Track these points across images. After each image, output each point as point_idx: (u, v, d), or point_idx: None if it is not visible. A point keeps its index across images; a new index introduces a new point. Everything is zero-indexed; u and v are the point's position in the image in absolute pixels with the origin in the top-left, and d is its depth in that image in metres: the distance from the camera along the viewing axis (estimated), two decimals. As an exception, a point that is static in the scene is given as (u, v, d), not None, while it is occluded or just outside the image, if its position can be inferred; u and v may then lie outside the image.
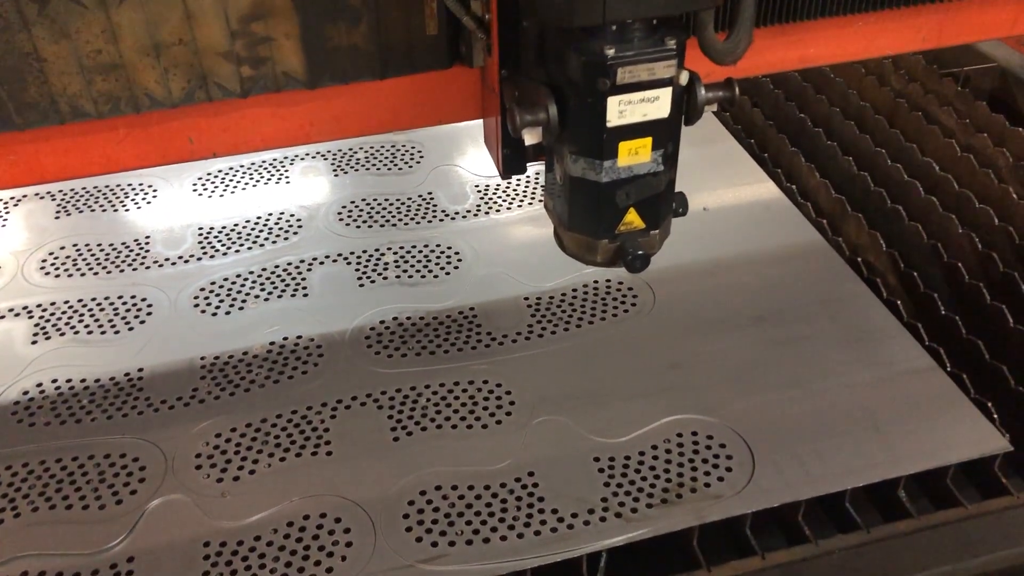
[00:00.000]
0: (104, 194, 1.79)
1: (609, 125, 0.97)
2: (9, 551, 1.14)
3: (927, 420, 1.29)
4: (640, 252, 1.04)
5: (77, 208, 1.75)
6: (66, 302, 1.53)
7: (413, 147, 1.92)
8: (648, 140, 0.99)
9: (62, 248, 1.65)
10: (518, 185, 1.79)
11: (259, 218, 1.71)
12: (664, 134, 0.99)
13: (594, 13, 0.89)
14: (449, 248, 1.64)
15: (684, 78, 0.98)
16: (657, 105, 0.97)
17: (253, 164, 1.86)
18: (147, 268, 1.60)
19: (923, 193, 1.69)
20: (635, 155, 1.00)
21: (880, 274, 1.59)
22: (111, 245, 1.65)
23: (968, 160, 1.73)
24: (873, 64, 2.08)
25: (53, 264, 1.61)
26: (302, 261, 1.61)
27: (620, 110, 0.96)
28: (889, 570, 1.15)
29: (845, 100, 2.00)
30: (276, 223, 1.70)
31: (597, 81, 0.94)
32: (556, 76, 0.99)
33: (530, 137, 1.00)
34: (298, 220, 1.71)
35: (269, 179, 1.82)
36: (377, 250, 1.63)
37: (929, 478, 1.26)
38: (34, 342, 1.45)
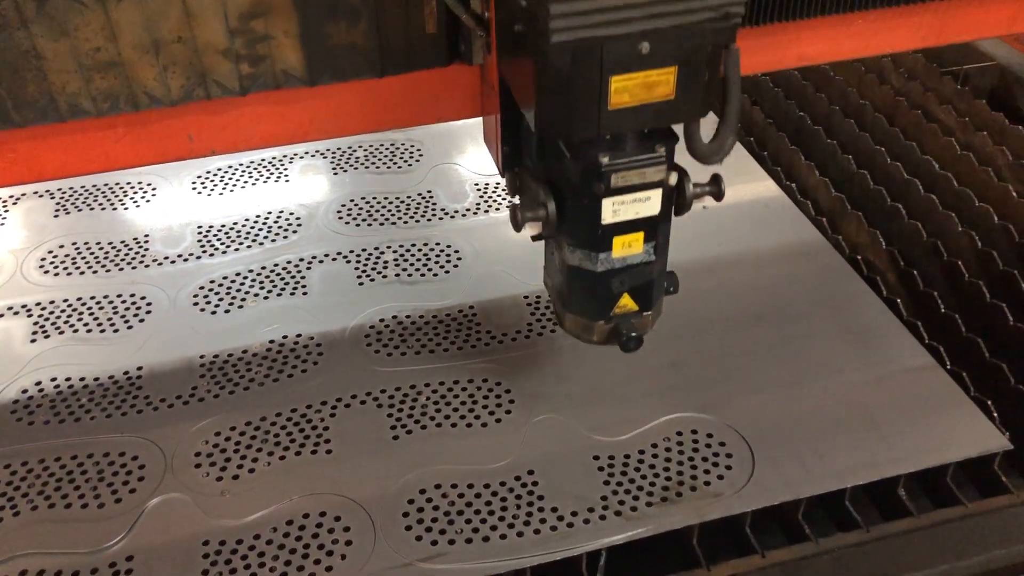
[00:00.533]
0: (103, 192, 1.79)
1: (604, 223, 1.04)
2: (9, 550, 1.14)
3: (927, 418, 1.29)
4: (634, 334, 1.12)
5: (76, 206, 1.75)
6: (65, 300, 1.52)
7: (412, 145, 1.92)
8: (640, 234, 1.07)
9: (61, 246, 1.65)
10: (517, 183, 1.78)
11: (258, 216, 1.71)
12: (655, 229, 1.07)
13: (589, 129, 0.95)
14: (449, 246, 1.64)
15: (673, 179, 1.05)
16: (648, 204, 1.04)
17: (252, 162, 1.86)
18: (146, 266, 1.60)
19: (923, 191, 1.69)
20: (628, 248, 1.08)
21: (880, 272, 1.59)
22: (110, 243, 1.65)
23: (968, 158, 1.73)
24: (873, 62, 2.08)
25: (52, 262, 1.61)
26: (301, 259, 1.61)
27: (614, 209, 1.03)
28: (889, 568, 1.15)
29: (845, 98, 2.00)
30: (275, 221, 1.70)
31: (593, 185, 1.01)
32: (555, 175, 1.06)
33: (531, 230, 1.09)
34: (297, 218, 1.71)
35: (268, 177, 1.82)
36: (377, 248, 1.63)
37: (929, 476, 1.26)
38: (33, 340, 1.45)
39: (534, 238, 1.14)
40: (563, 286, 1.14)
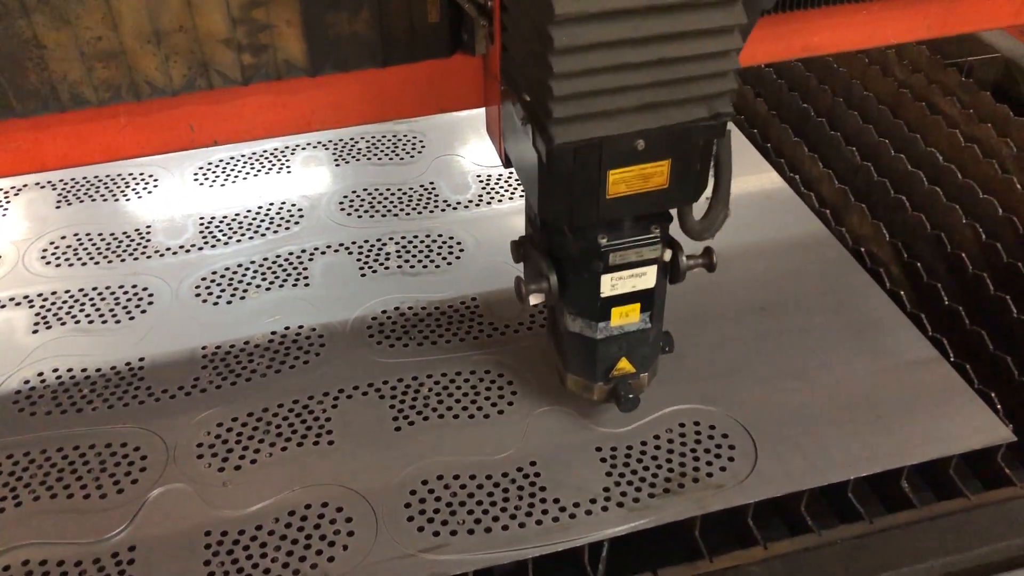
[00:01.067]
0: (105, 183, 1.78)
1: (602, 296, 1.12)
2: (11, 539, 1.14)
3: (930, 410, 1.29)
4: (631, 395, 1.20)
5: (78, 197, 1.75)
6: (67, 291, 1.52)
7: (415, 136, 1.91)
8: (637, 305, 1.15)
9: (63, 237, 1.64)
10: (520, 175, 1.78)
11: (260, 207, 1.71)
12: (651, 300, 1.15)
13: (590, 216, 1.03)
14: (451, 238, 1.63)
15: (668, 255, 1.13)
16: (644, 278, 1.12)
17: (254, 153, 1.86)
18: (148, 257, 1.60)
19: (927, 183, 1.68)
20: (625, 317, 1.15)
21: (883, 264, 1.59)
22: (112, 234, 1.65)
23: (972, 150, 1.73)
24: (877, 54, 2.07)
25: (54, 253, 1.61)
26: (303, 251, 1.60)
27: (612, 284, 1.11)
28: (892, 560, 1.14)
29: (848, 90, 1.99)
30: (277, 213, 1.69)
31: (592, 263, 1.09)
32: (556, 247, 1.14)
33: (535, 299, 1.15)
34: (299, 210, 1.70)
35: (270, 169, 1.81)
36: (379, 240, 1.63)
37: (932, 468, 1.25)
38: (35, 331, 1.44)
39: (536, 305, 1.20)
40: (564, 350, 1.21)
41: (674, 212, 1.12)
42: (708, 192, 1.10)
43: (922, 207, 1.64)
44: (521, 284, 1.15)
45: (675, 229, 1.14)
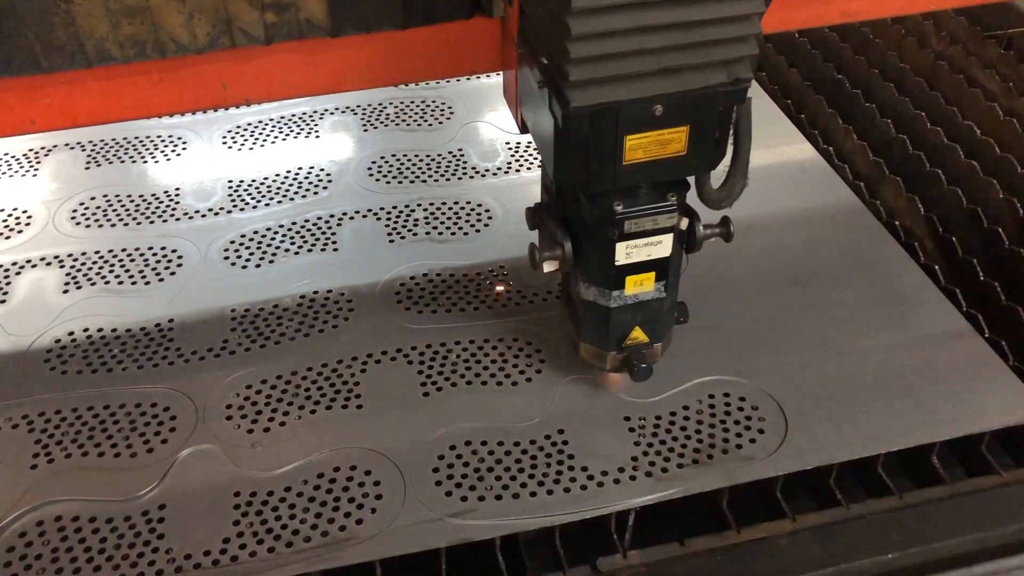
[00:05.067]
0: (134, 145, 1.78)
1: (617, 264, 1.10)
2: (44, 495, 1.15)
3: (964, 386, 1.27)
4: (644, 365, 1.18)
5: (107, 159, 1.75)
6: (97, 252, 1.53)
7: (443, 103, 1.90)
8: (652, 274, 1.13)
9: (92, 198, 1.65)
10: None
11: (289, 172, 1.70)
12: (666, 269, 1.13)
13: (605, 183, 1.01)
14: (479, 205, 1.62)
15: (684, 223, 1.11)
16: (660, 247, 1.10)
17: (282, 118, 1.85)
18: (177, 220, 1.60)
19: (963, 157, 1.65)
20: (640, 286, 1.14)
21: (918, 238, 1.56)
22: (141, 196, 1.65)
23: (1011, 124, 1.69)
24: (914, 25, 2.03)
25: (84, 214, 1.61)
26: (332, 216, 1.60)
27: (627, 252, 1.10)
28: (921, 536, 1.13)
29: (884, 61, 1.95)
30: (306, 177, 1.69)
31: (607, 230, 1.07)
32: (571, 215, 1.12)
33: (548, 267, 1.14)
34: (328, 175, 1.70)
35: (299, 133, 1.81)
36: (407, 206, 1.62)
37: (964, 444, 1.24)
38: (65, 291, 1.45)
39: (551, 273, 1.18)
40: (578, 318, 1.21)
41: (692, 181, 1.11)
42: (727, 161, 1.08)
43: (958, 181, 1.62)
44: (535, 251, 1.14)
45: (692, 199, 1.12)
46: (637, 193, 1.06)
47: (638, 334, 1.18)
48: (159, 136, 1.81)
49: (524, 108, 1.12)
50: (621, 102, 0.94)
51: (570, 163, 1.01)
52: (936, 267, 1.47)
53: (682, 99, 0.96)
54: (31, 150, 1.77)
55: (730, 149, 1.08)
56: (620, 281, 1.12)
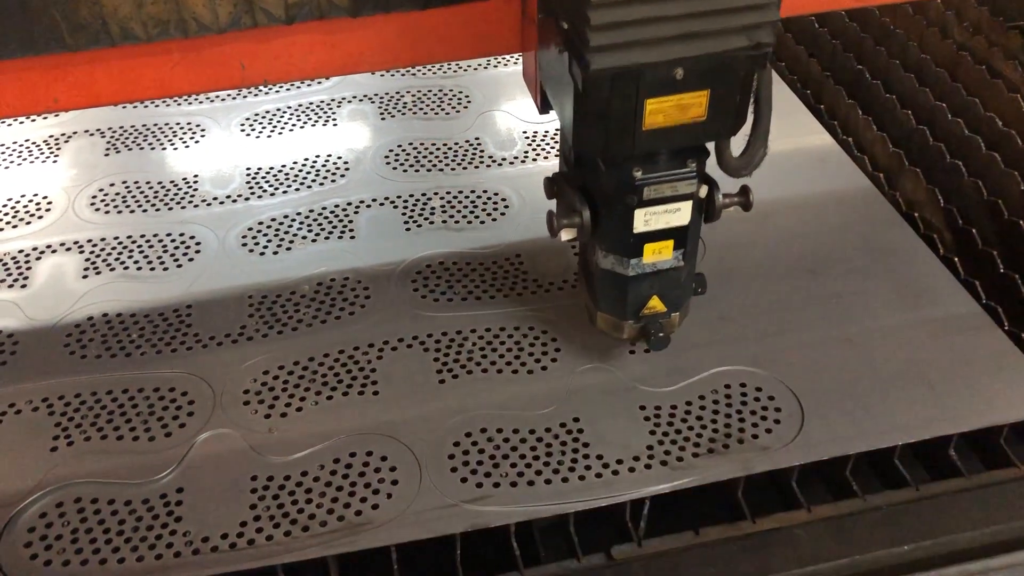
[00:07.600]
0: (153, 132, 1.79)
1: (635, 231, 1.10)
2: (64, 477, 1.16)
3: (982, 378, 1.26)
4: (661, 334, 1.18)
5: (126, 146, 1.76)
6: (115, 238, 1.54)
7: (460, 91, 1.90)
8: (670, 242, 1.12)
9: (111, 185, 1.66)
10: (567, 132, 1.76)
11: (307, 159, 1.71)
12: (684, 237, 1.13)
13: (625, 148, 1.01)
14: (496, 194, 1.62)
15: (703, 191, 1.10)
16: (679, 215, 1.10)
17: (300, 105, 1.85)
18: (195, 207, 1.61)
19: (984, 149, 1.63)
20: (658, 254, 1.13)
21: (937, 230, 1.55)
22: (160, 183, 1.66)
23: (1033, 116, 1.68)
24: (935, 15, 2.01)
25: (103, 200, 1.62)
26: (349, 204, 1.60)
27: (646, 219, 1.09)
28: (937, 528, 1.13)
29: (905, 52, 1.94)
30: (323, 165, 1.69)
31: (626, 197, 1.07)
32: (589, 182, 1.11)
33: (566, 235, 1.13)
34: (345, 163, 1.70)
35: (316, 121, 1.81)
36: (424, 194, 1.62)
37: (981, 437, 1.23)
38: (84, 276, 1.46)
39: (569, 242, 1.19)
40: (595, 288, 1.20)
41: (711, 149, 1.10)
42: (747, 129, 1.08)
43: (979, 173, 1.60)
44: (553, 218, 1.13)
45: (712, 167, 1.11)
46: (656, 160, 1.06)
47: (655, 303, 1.18)
48: (178, 123, 1.81)
49: (543, 75, 1.12)
50: (642, 65, 0.93)
51: (590, 129, 1.00)
52: (955, 259, 1.46)
53: (703, 63, 0.95)
54: (51, 136, 1.78)
55: (750, 118, 1.07)
56: (638, 249, 1.12)
